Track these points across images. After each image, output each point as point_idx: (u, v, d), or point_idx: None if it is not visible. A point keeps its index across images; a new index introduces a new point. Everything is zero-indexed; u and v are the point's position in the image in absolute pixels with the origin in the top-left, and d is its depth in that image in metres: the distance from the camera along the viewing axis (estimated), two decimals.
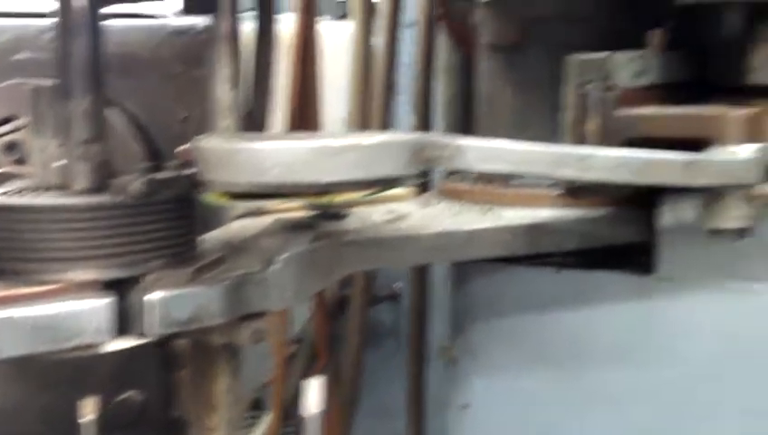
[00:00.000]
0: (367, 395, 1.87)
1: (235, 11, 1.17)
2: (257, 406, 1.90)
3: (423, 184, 1.57)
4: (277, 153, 0.93)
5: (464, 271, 1.46)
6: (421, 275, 1.81)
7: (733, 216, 1.12)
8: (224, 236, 1.22)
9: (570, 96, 1.21)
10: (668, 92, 1.32)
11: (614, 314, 1.36)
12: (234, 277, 1.05)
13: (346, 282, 1.73)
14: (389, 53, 1.67)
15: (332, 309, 1.78)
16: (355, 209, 1.34)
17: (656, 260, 1.31)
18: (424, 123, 1.74)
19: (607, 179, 1.05)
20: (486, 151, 1.02)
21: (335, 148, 0.92)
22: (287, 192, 0.96)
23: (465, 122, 1.64)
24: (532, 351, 1.42)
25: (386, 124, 1.69)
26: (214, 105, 1.17)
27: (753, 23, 1.30)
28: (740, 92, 1.34)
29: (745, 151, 1.09)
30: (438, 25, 1.68)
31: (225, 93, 1.16)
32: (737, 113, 1.10)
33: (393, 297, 2.03)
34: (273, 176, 0.92)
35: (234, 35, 1.17)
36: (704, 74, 1.39)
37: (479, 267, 1.42)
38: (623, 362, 1.36)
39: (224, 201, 1.00)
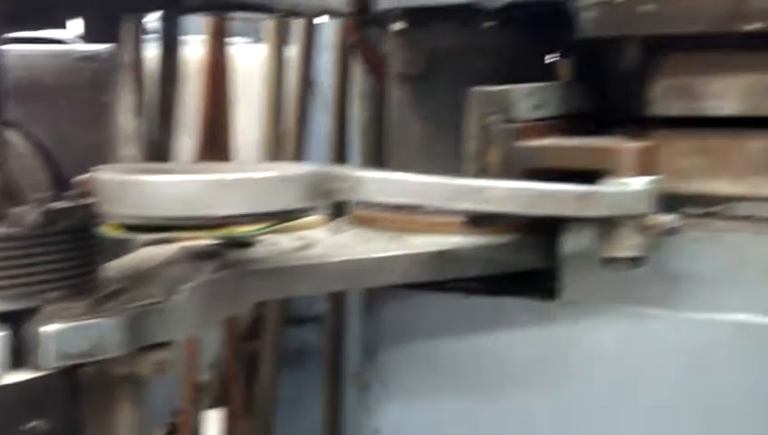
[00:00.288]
0: (285, 419, 1.87)
1: (138, 39, 1.17)
2: None
3: (338, 210, 1.58)
4: (170, 187, 0.93)
5: (375, 297, 1.47)
6: (340, 297, 1.82)
7: (626, 245, 1.15)
8: (127, 265, 1.21)
9: (472, 127, 1.23)
10: (574, 124, 1.36)
11: (521, 339, 1.38)
12: (134, 308, 1.05)
13: (263, 302, 1.73)
14: (303, 78, 1.69)
15: (249, 331, 1.77)
16: (264, 237, 1.35)
17: (559, 286, 1.34)
18: (340, 149, 1.75)
19: (503, 211, 1.07)
20: (385, 184, 1.03)
21: (229, 181, 0.93)
22: (181, 226, 0.96)
23: (380, 149, 1.66)
24: (443, 376, 1.44)
25: (300, 149, 1.70)
26: (117, 134, 1.17)
27: (652, 56, 1.34)
28: (643, 123, 1.39)
29: (638, 183, 1.12)
30: (353, 51, 1.70)
31: (127, 122, 1.16)
32: (630, 146, 1.14)
33: (316, 319, 2.03)
34: (166, 210, 0.92)
35: (137, 64, 1.17)
36: (608, 106, 1.43)
37: (390, 293, 1.44)
38: (531, 386, 1.39)
39: (120, 233, 0.99)
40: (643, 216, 1.13)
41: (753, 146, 1.30)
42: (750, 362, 1.23)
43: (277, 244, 1.34)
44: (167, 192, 0.92)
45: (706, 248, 1.26)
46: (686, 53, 1.32)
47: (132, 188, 0.93)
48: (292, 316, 1.98)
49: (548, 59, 1.52)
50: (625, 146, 1.14)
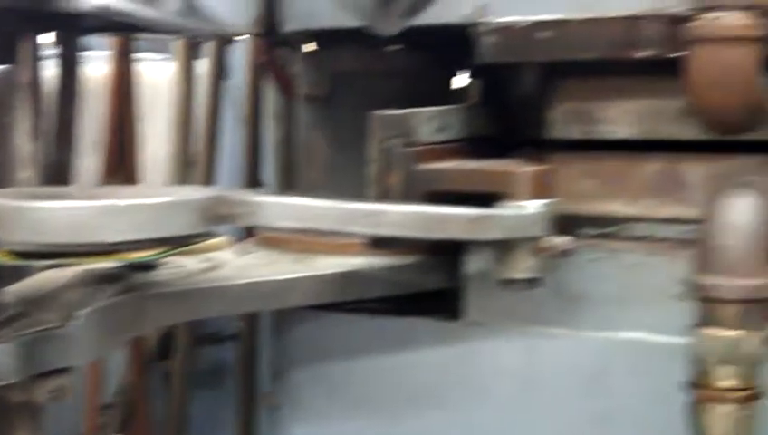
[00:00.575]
0: None
1: (36, 59, 1.16)
2: None
3: (248, 231, 1.58)
4: (61, 213, 0.92)
5: (284, 317, 1.47)
6: (253, 317, 1.82)
7: (522, 267, 1.17)
8: (27, 289, 1.19)
9: (373, 151, 1.25)
10: (478, 147, 1.38)
11: (426, 359, 1.40)
12: (29, 334, 1.03)
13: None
14: (213, 96, 1.68)
15: (161, 350, 1.75)
16: (169, 259, 1.34)
17: (463, 306, 1.36)
18: (253, 168, 1.75)
19: (398, 234, 1.08)
20: (281, 208, 1.04)
21: (119, 207, 0.92)
22: (72, 253, 0.95)
23: (293, 169, 1.66)
24: (351, 397, 1.45)
25: (210, 169, 1.70)
26: (14, 156, 1.15)
27: (550, 81, 1.38)
28: (543, 146, 1.43)
29: (533, 206, 1.15)
30: (265, 70, 1.70)
31: (25, 144, 1.14)
32: (524, 170, 1.17)
33: (234, 337, 2.02)
34: (56, 236, 0.91)
35: (35, 84, 1.15)
36: (510, 129, 1.46)
37: (298, 314, 1.44)
38: (437, 406, 1.40)
39: (11, 260, 0.98)
40: (538, 238, 1.16)
41: (647, 169, 1.34)
42: (646, 380, 1.27)
43: (182, 266, 1.33)
44: (55, 218, 0.91)
45: (603, 268, 1.29)
46: (583, 79, 1.36)
47: (20, 213, 0.91)
48: (209, 334, 1.96)
49: (457, 81, 1.55)
50: (520, 170, 1.16)
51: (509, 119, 1.44)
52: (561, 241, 1.17)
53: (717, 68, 1.05)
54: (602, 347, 1.30)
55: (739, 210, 1.05)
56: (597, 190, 1.36)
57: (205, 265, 1.36)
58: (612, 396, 1.31)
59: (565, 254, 1.16)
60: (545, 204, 1.16)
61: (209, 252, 1.39)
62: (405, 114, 1.25)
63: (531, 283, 1.19)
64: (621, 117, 1.35)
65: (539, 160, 1.37)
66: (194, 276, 1.30)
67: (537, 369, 1.34)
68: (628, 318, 1.29)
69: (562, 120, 1.38)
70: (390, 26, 1.02)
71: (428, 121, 1.27)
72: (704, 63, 1.05)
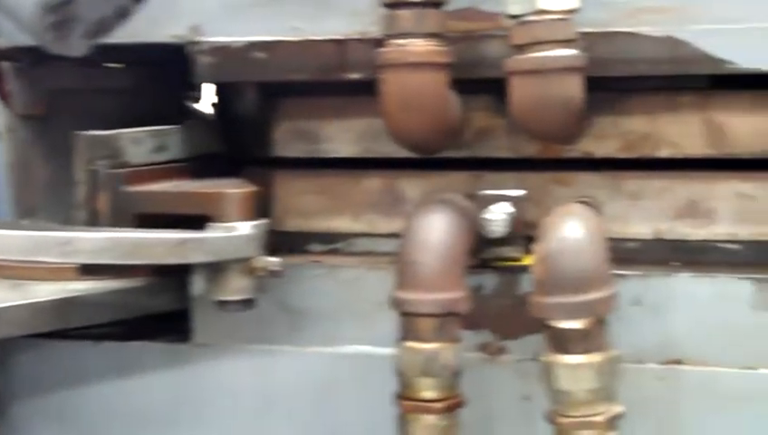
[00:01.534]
0: None
1: None
2: None
3: None
4: None
5: (4, 347, 1.40)
6: None
7: (234, 288, 1.17)
8: None
9: (80, 172, 1.21)
10: (204, 166, 1.37)
11: (157, 383, 1.37)
12: None
13: None
14: None
15: None
16: None
17: (191, 328, 1.35)
18: None
19: (94, 261, 1.05)
20: None
21: None
22: None
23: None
24: (82, 426, 1.39)
25: None
26: None
27: (273, 100, 1.38)
28: (270, 164, 1.43)
29: (243, 228, 1.15)
30: None
31: None
32: (233, 192, 1.16)
33: None
34: None
35: None
36: (239, 147, 1.46)
37: (18, 344, 1.37)
38: (170, 430, 1.38)
39: None
40: (249, 259, 1.16)
41: (368, 185, 1.37)
42: (371, 392, 1.29)
43: None
44: None
45: (326, 285, 1.31)
46: (306, 98, 1.38)
47: None
48: None
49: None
50: (228, 192, 1.16)
51: (237, 137, 1.44)
52: (273, 261, 1.17)
53: (406, 92, 1.09)
54: (328, 362, 1.32)
55: (432, 227, 1.09)
56: (322, 207, 1.39)
57: None
58: (341, 409, 1.33)
59: (276, 274, 1.17)
60: (255, 225, 1.16)
61: None
62: (112, 135, 1.21)
63: (244, 304, 1.19)
64: (342, 135, 1.38)
65: (264, 179, 1.38)
66: None
67: (267, 387, 1.34)
68: (351, 332, 1.31)
69: (286, 139, 1.39)
70: (73, 47, 0.99)
71: (141, 142, 1.24)
72: (394, 87, 1.09)
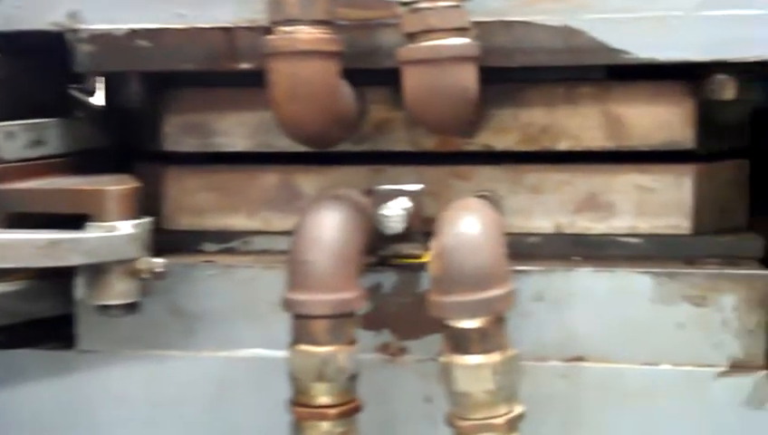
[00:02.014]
0: None
1: None
2: None
3: None
4: None
5: None
6: None
7: (116, 292, 1.10)
8: None
9: None
10: (90, 161, 1.29)
11: (42, 392, 1.29)
12: None
13: None
14: None
15: None
16: None
17: (77, 333, 1.27)
18: None
19: None
20: None
21: None
22: None
23: None
24: None
25: None
26: None
27: (163, 91, 1.32)
28: (162, 159, 1.37)
29: (123, 227, 1.08)
30: None
31: None
32: (113, 189, 1.09)
33: None
34: None
35: None
36: (129, 141, 1.39)
37: None
38: None
39: None
40: (132, 260, 1.09)
41: (264, 182, 1.32)
42: (267, 396, 1.24)
43: None
44: None
45: (221, 285, 1.25)
46: (198, 90, 1.32)
47: None
48: None
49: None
50: (107, 189, 1.09)
51: (126, 131, 1.37)
52: (157, 262, 1.11)
53: (295, 82, 1.03)
54: (223, 366, 1.26)
55: (324, 224, 1.04)
56: (216, 205, 1.32)
57: None
58: (236, 415, 1.27)
59: (159, 276, 1.10)
60: (137, 224, 1.10)
61: None
62: None
63: (128, 308, 1.12)
64: (236, 129, 1.32)
65: (155, 175, 1.31)
66: None
67: (159, 394, 1.28)
68: (246, 335, 1.26)
69: (177, 133, 1.32)
70: None
71: (15, 136, 1.16)
72: (282, 77, 1.03)
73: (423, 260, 1.18)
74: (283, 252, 1.28)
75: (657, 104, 1.25)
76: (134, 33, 1.18)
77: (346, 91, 1.11)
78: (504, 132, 1.27)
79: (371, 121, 1.29)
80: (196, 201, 1.32)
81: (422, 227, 1.17)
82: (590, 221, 1.26)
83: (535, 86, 1.27)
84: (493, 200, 1.20)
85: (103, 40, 1.19)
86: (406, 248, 1.19)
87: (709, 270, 1.17)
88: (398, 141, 1.29)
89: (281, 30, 1.03)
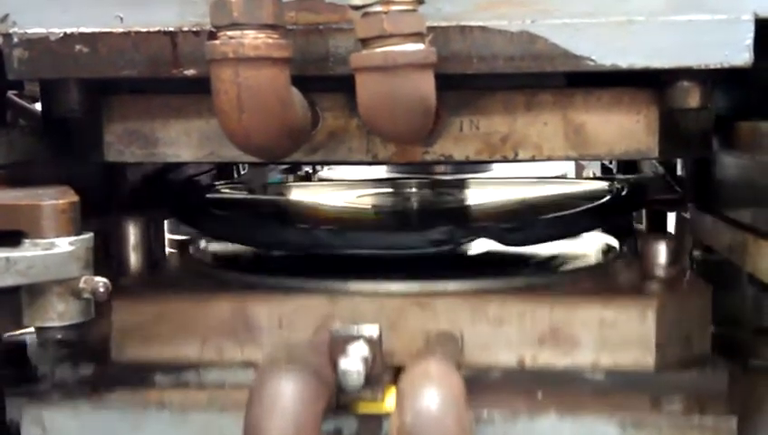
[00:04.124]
0: None
1: None
2: None
3: None
4: None
5: None
6: None
7: (57, 313, 1.03)
8: None
9: None
10: (30, 173, 1.22)
11: None
12: None
13: None
14: None
15: None
16: None
17: None
18: None
19: None
20: None
21: None
22: None
23: None
24: None
25: None
26: None
27: (101, 99, 1.25)
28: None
29: (61, 244, 1.01)
30: None
31: None
32: (49, 203, 1.02)
33: None
34: None
35: None
36: (73, 151, 1.31)
37: None
38: None
39: None
40: (72, 279, 1.02)
41: (216, 311, 1.24)
42: None
43: None
44: None
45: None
46: (140, 97, 1.25)
47: None
48: None
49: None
50: (42, 204, 1.02)
51: (67, 141, 1.30)
52: (99, 280, 1.04)
53: (242, 90, 0.97)
54: None
55: (280, 392, 0.97)
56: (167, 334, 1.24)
57: None
58: None
59: (102, 296, 1.03)
60: (77, 240, 1.03)
61: None
62: None
63: (69, 329, 1.05)
64: (182, 138, 1.25)
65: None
66: None
67: None
68: None
69: (119, 142, 1.26)
70: None
71: None
72: (228, 85, 0.97)
73: (383, 407, 1.10)
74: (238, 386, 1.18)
75: (619, 112, 1.21)
76: (71, 37, 1.11)
77: (297, 99, 1.05)
78: (463, 141, 1.23)
79: (325, 130, 1.23)
80: (144, 332, 1.25)
81: (381, 367, 1.09)
82: (553, 356, 1.20)
83: (494, 94, 1.22)
84: (453, 340, 1.16)
85: (38, 45, 1.11)
86: (365, 394, 1.09)
87: (676, 418, 1.12)
88: (354, 151, 1.23)
89: (226, 35, 0.97)
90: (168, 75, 1.13)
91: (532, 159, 1.23)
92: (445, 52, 1.06)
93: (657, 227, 2.11)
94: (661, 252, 1.30)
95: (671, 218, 2.07)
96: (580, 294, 1.25)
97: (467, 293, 1.23)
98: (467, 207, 1.67)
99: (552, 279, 1.34)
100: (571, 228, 1.42)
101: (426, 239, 1.28)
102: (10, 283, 0.98)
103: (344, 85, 1.08)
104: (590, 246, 1.55)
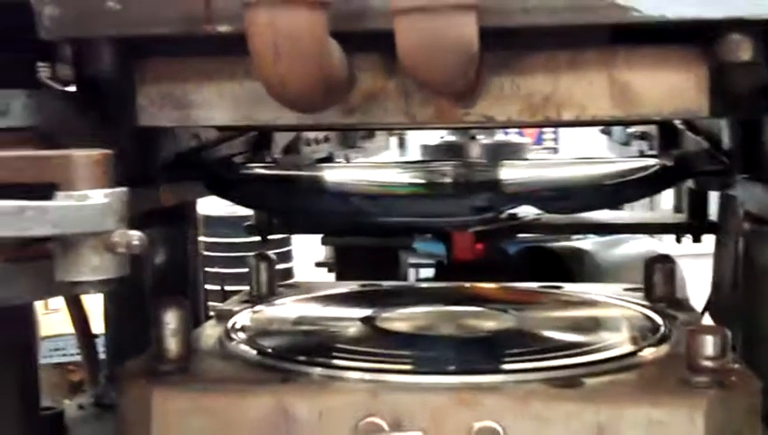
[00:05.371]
0: None
1: None
2: None
3: None
4: None
5: None
6: None
7: (90, 267, 1.01)
8: None
9: None
10: (57, 135, 1.20)
11: None
12: None
13: None
14: None
15: None
16: None
17: None
18: None
19: None
20: None
21: None
22: None
23: None
24: None
25: None
26: None
27: (134, 61, 1.23)
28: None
29: (95, 196, 0.99)
30: None
31: None
32: (83, 155, 1.00)
33: None
34: None
35: None
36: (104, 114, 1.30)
37: None
38: None
39: None
40: (106, 232, 1.00)
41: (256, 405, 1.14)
42: None
43: None
44: None
45: None
46: (173, 59, 1.23)
47: None
48: None
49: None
50: (78, 155, 0.99)
51: (102, 103, 1.28)
52: (134, 234, 1.01)
53: (278, 34, 0.95)
54: None
55: None
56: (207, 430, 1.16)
57: None
58: None
59: (137, 248, 1.01)
60: (112, 193, 1.00)
61: None
62: None
63: (104, 284, 1.02)
64: (216, 101, 1.23)
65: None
66: None
67: None
68: None
69: (152, 105, 1.24)
70: None
71: None
72: (263, 29, 0.94)
73: None
74: None
75: (667, 70, 1.17)
76: None
77: (335, 48, 1.03)
78: (504, 102, 1.19)
79: (361, 91, 1.20)
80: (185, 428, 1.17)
81: None
82: None
83: (536, 53, 1.18)
84: None
85: (69, 3, 1.10)
86: None
87: None
88: (391, 112, 1.20)
89: None
90: (201, 32, 1.10)
91: (576, 121, 1.19)
92: (486, 5, 1.02)
93: (698, 214, 2.06)
94: (708, 344, 1.16)
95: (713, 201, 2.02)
96: (627, 392, 1.16)
97: (510, 387, 1.15)
98: (508, 180, 1.63)
99: (595, 369, 1.21)
100: (614, 197, 1.38)
101: (467, 205, 1.25)
102: (42, 232, 0.96)
103: (380, 45, 1.05)
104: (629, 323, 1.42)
